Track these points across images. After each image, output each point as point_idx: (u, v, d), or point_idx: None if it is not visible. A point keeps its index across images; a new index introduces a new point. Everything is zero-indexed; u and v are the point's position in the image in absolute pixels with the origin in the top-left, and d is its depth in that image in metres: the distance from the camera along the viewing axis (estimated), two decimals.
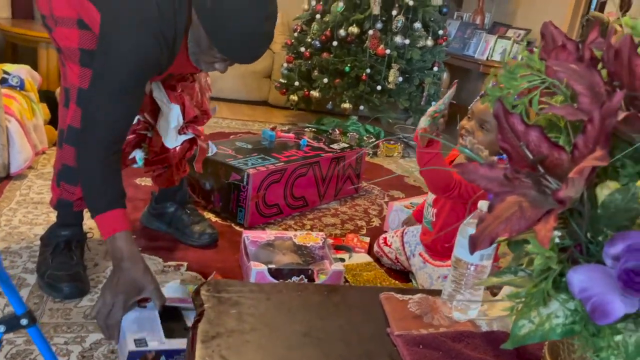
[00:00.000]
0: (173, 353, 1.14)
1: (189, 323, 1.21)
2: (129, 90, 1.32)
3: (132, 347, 1.13)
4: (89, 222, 1.88)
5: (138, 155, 1.66)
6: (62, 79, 1.47)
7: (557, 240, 0.59)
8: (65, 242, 1.56)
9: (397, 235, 1.89)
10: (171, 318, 1.26)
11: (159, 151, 1.68)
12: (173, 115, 1.61)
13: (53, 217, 1.64)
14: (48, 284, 1.46)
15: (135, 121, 1.65)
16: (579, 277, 0.53)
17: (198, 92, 1.70)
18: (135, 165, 1.70)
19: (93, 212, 1.29)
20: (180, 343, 1.15)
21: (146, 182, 2.31)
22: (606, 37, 0.64)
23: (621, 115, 0.55)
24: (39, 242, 1.62)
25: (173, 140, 1.64)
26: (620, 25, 0.68)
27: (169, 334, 1.18)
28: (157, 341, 1.15)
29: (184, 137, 1.68)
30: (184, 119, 1.64)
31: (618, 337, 0.56)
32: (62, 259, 1.52)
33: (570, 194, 0.54)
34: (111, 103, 1.29)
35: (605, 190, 0.58)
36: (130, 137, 1.62)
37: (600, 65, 0.65)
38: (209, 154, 1.92)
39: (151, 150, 1.68)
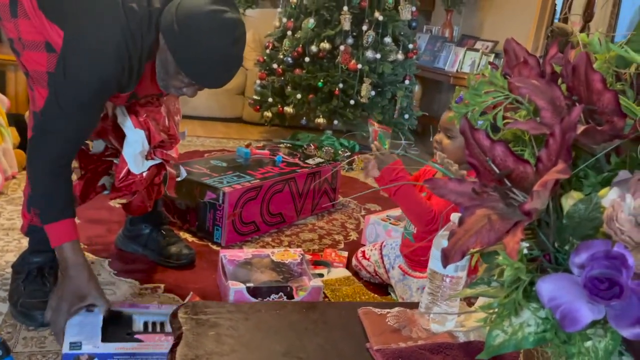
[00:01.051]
0: (107, 357, 1.21)
1: (140, 327, 1.34)
2: (83, 109, 1.31)
3: (65, 349, 1.20)
4: None
5: (107, 182, 1.63)
6: (30, 103, 1.45)
7: (525, 251, 0.61)
8: (37, 268, 1.53)
9: (375, 248, 1.90)
10: (118, 323, 1.33)
11: (124, 177, 1.64)
12: (137, 141, 1.58)
13: (25, 243, 1.61)
14: (21, 312, 1.43)
15: (102, 148, 1.63)
16: (548, 287, 0.54)
17: (165, 116, 1.67)
18: (105, 192, 1.67)
19: (43, 221, 1.33)
20: (116, 347, 1.22)
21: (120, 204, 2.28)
22: (564, 53, 0.66)
23: (580, 128, 0.57)
24: (10, 270, 1.58)
25: (139, 166, 1.61)
26: (582, 44, 0.71)
27: (110, 338, 1.25)
28: (92, 345, 1.21)
29: (150, 163, 1.64)
30: (149, 144, 1.62)
31: (588, 343, 0.58)
32: (35, 286, 1.49)
33: (536, 206, 0.55)
34: (65, 119, 1.29)
35: (570, 201, 0.60)
36: (97, 164, 1.59)
37: (560, 80, 0.67)
38: (179, 179, 1.90)
39: (116, 178, 1.65)
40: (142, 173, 1.63)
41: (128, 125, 1.57)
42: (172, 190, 1.77)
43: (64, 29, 1.29)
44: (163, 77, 1.36)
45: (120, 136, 1.60)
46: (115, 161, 1.65)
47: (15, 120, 2.69)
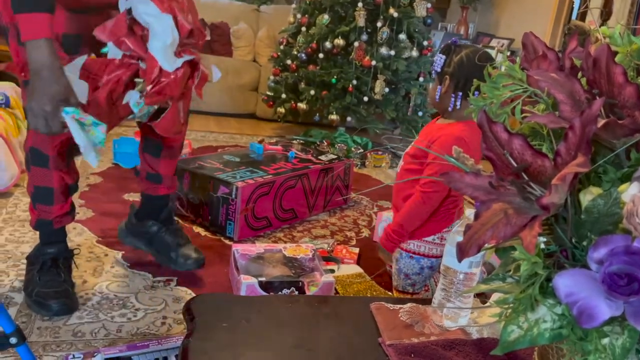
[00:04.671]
0: None
1: None
2: None
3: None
4: (75, 239, 1.86)
5: (132, 99, 1.40)
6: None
7: (542, 246, 0.60)
8: (52, 259, 1.54)
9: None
10: None
11: (156, 78, 1.38)
12: (166, 29, 1.36)
13: None
14: (36, 302, 1.45)
15: (120, 55, 1.40)
16: (565, 282, 0.54)
17: (187, 8, 1.45)
18: (131, 117, 1.46)
19: (15, 9, 1.17)
20: None
21: (135, 197, 2.30)
22: (585, 46, 0.65)
23: (601, 122, 0.56)
24: (25, 261, 1.60)
25: (170, 61, 1.38)
26: (603, 36, 0.70)
27: None
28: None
29: (182, 60, 1.41)
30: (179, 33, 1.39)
31: (605, 340, 0.57)
32: (50, 277, 1.50)
33: (554, 200, 0.55)
34: None
35: (588, 196, 0.59)
36: (119, 73, 1.38)
37: (580, 74, 0.66)
38: (213, 80, 1.59)
39: (147, 81, 1.39)
40: (175, 72, 1.40)
41: (152, 11, 1.35)
42: (201, 91, 1.54)
43: None
44: None
45: (138, 38, 1.38)
46: (141, 65, 1.40)
47: None
